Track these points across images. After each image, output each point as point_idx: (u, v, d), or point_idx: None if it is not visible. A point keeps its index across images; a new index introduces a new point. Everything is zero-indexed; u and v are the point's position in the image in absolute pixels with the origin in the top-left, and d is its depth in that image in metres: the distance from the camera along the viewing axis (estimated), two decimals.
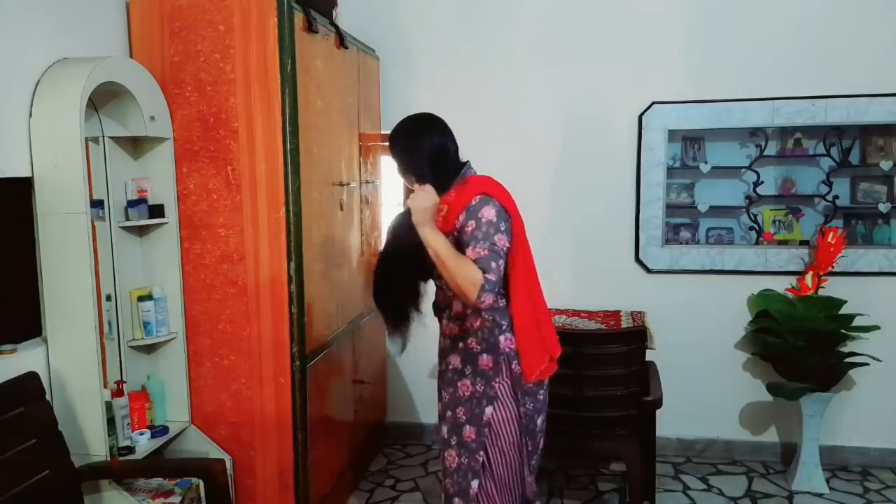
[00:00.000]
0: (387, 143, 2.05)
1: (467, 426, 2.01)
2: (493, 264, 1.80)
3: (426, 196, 1.86)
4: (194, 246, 2.61)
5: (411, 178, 1.97)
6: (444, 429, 2.07)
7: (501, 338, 1.96)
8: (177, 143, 2.57)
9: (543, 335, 2.02)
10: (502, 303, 1.97)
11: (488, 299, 1.80)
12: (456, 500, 2.02)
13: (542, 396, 2.04)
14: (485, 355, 1.98)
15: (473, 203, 1.88)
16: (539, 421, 2.05)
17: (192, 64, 2.52)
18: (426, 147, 1.96)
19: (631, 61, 3.44)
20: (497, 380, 1.98)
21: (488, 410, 1.98)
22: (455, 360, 2.04)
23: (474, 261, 1.80)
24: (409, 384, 3.80)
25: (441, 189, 1.93)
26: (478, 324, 1.98)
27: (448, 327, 2.06)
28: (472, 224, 1.86)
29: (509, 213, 1.91)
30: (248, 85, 2.49)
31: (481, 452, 1.99)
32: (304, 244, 2.59)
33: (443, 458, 2.08)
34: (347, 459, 3.15)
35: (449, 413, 2.06)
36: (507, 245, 1.86)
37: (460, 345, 2.02)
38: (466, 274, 1.78)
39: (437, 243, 1.81)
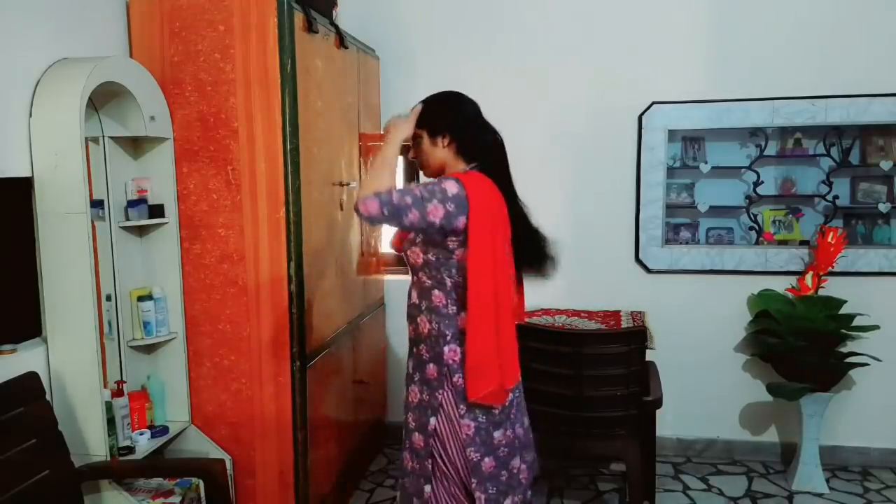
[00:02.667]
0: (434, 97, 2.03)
1: (416, 433, 2.02)
2: (409, 199, 1.80)
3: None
4: (194, 246, 2.61)
5: (440, 139, 1.97)
6: (403, 431, 2.09)
7: (445, 349, 1.93)
8: (177, 143, 2.57)
9: (503, 361, 1.91)
10: (452, 309, 1.93)
11: (369, 207, 1.78)
12: (414, 500, 2.04)
13: (497, 411, 1.96)
14: (431, 364, 1.97)
15: (445, 177, 1.91)
16: (498, 435, 1.97)
17: (192, 64, 2.52)
18: (471, 115, 2.00)
19: (631, 61, 3.44)
20: (440, 391, 1.95)
21: (432, 421, 1.97)
22: (410, 365, 2.06)
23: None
24: None
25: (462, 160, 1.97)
26: (426, 331, 1.97)
27: (409, 329, 2.07)
28: (433, 184, 1.87)
29: (470, 207, 1.83)
30: (248, 85, 2.49)
31: (429, 460, 1.99)
32: (304, 244, 2.59)
33: (402, 457, 2.10)
34: (347, 459, 3.15)
35: (404, 416, 2.08)
36: (437, 221, 1.82)
37: (414, 350, 2.03)
38: (378, 181, 1.85)
39: (387, 149, 1.95)
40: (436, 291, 1.95)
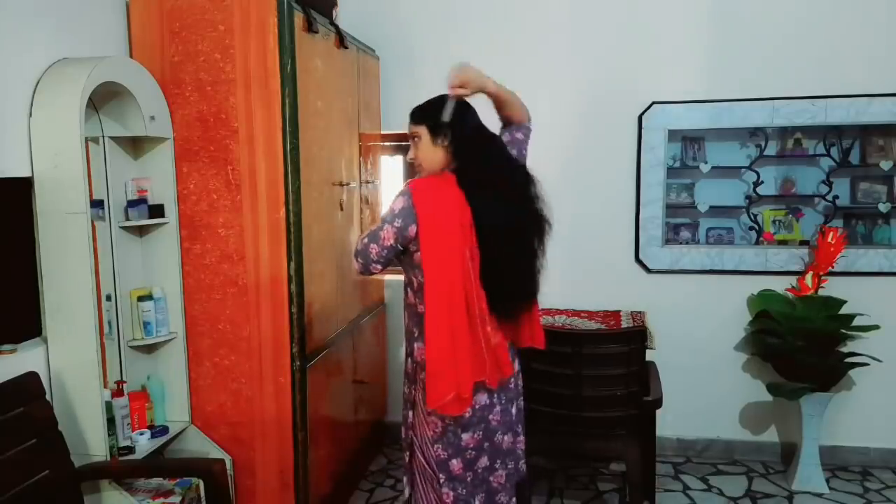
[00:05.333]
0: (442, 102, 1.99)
1: (402, 426, 2.11)
2: (366, 240, 1.90)
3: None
4: (194, 246, 2.61)
5: (440, 139, 1.95)
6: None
7: (416, 345, 1.99)
8: (177, 143, 2.57)
9: (458, 369, 1.86)
10: (420, 308, 1.93)
11: (355, 265, 1.95)
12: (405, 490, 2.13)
13: (468, 413, 1.94)
14: (409, 359, 2.04)
15: (400, 189, 1.95)
16: (466, 437, 1.96)
17: (192, 64, 2.52)
18: (471, 124, 1.99)
19: (631, 61, 3.44)
20: (414, 386, 2.01)
21: (410, 415, 2.04)
22: (404, 358, 2.12)
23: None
24: None
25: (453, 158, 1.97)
26: (406, 325, 2.05)
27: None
28: (388, 206, 1.94)
29: (418, 214, 1.85)
30: (248, 85, 2.48)
31: (408, 453, 2.05)
32: (304, 244, 2.59)
33: None
34: (347, 459, 3.15)
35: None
36: (391, 242, 1.88)
37: (405, 343, 2.10)
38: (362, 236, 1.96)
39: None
40: (409, 290, 2.02)
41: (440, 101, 1.99)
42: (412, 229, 1.87)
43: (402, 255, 1.96)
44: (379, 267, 1.92)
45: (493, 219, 1.90)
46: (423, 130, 1.97)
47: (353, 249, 1.96)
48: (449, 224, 1.86)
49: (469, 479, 1.99)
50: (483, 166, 1.94)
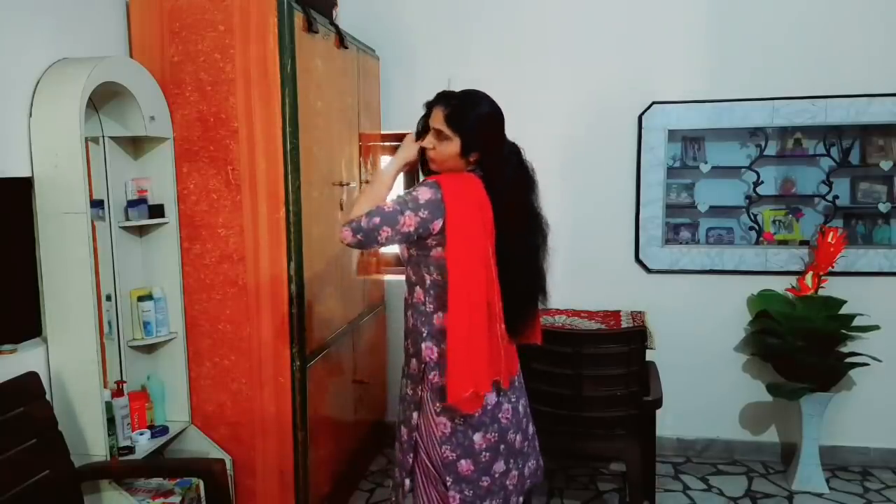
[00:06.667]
0: (453, 98, 1.95)
1: (402, 426, 2.05)
2: (377, 219, 1.81)
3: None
4: (194, 246, 2.61)
5: (472, 155, 1.92)
6: (396, 420, 2.13)
7: (423, 345, 1.94)
8: (177, 143, 2.57)
9: (476, 366, 1.85)
10: (430, 307, 1.93)
11: (345, 236, 1.85)
12: (398, 490, 2.08)
13: (478, 413, 1.93)
14: (414, 360, 1.99)
15: (424, 181, 1.90)
16: (478, 438, 1.94)
17: (192, 64, 2.52)
18: (503, 144, 1.98)
19: (631, 61, 3.44)
20: (421, 387, 1.97)
21: (415, 415, 1.99)
22: (404, 358, 2.08)
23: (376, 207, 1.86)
24: None
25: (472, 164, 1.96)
26: (410, 325, 2.00)
27: (404, 322, 2.10)
28: (409, 194, 1.89)
29: (447, 209, 1.83)
30: (248, 85, 2.48)
31: (410, 454, 2.02)
32: (304, 244, 2.59)
33: (394, 447, 2.13)
34: (347, 459, 3.15)
35: (398, 407, 2.12)
36: (410, 230, 1.83)
37: (404, 343, 2.06)
38: (359, 206, 1.90)
39: (383, 171, 2.01)
40: (417, 288, 1.97)
41: (474, 102, 1.94)
42: (437, 224, 1.84)
43: (418, 252, 1.93)
44: (378, 248, 1.89)
45: (514, 224, 1.93)
46: (455, 139, 1.90)
47: (343, 221, 1.88)
48: (474, 223, 1.85)
49: (486, 484, 1.96)
50: (511, 178, 1.94)
